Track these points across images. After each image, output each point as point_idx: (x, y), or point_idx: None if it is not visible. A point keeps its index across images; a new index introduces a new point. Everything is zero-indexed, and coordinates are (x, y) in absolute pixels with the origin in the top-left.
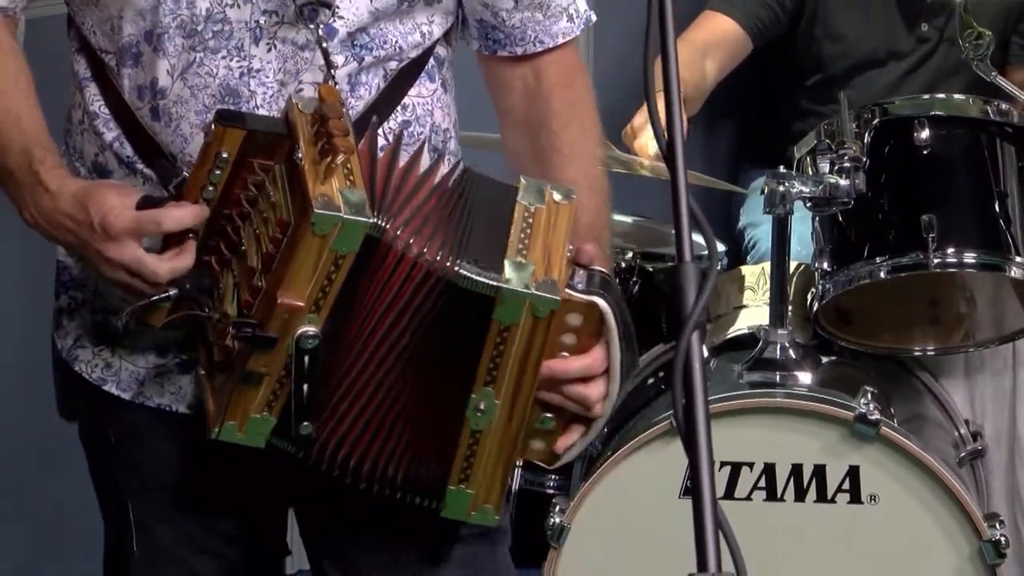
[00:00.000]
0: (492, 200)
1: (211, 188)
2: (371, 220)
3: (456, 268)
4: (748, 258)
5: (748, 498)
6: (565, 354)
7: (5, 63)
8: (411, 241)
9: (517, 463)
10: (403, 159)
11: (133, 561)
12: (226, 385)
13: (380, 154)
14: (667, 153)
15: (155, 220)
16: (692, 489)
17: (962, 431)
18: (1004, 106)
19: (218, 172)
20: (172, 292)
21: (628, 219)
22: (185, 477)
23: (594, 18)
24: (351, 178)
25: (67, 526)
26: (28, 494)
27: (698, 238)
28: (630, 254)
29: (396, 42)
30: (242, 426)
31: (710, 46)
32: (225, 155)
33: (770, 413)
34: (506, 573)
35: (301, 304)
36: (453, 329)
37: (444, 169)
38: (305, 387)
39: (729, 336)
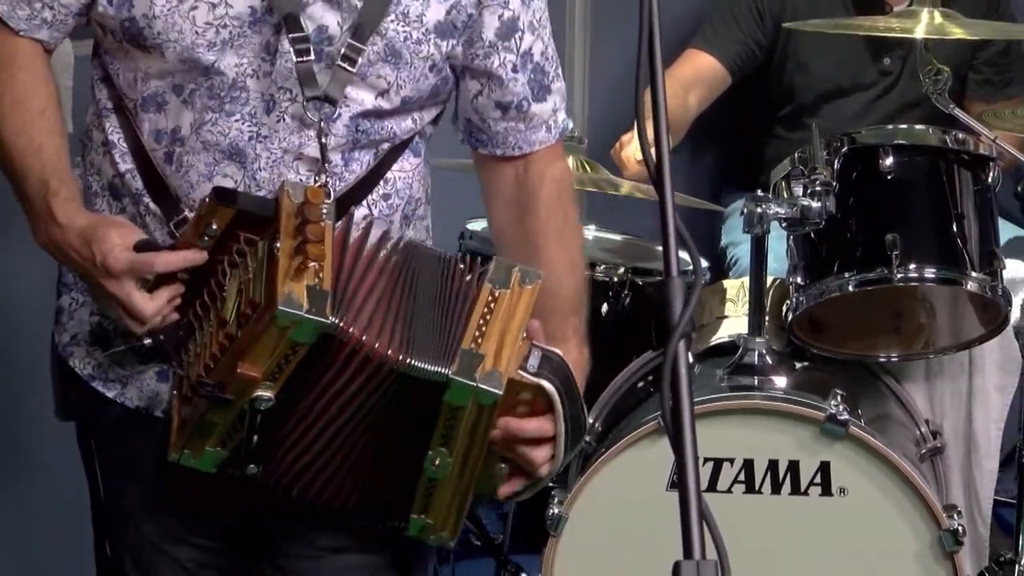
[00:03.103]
0: (434, 273)
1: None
2: (328, 320)
3: (409, 361)
4: (731, 274)
5: (729, 491)
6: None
7: (37, 91)
8: (364, 338)
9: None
10: (369, 243)
11: (122, 552)
12: (189, 419)
13: (351, 243)
14: (655, 177)
15: (148, 263)
16: (678, 482)
17: (923, 430)
18: (961, 135)
19: (206, 239)
20: (147, 342)
21: (619, 237)
22: (163, 475)
23: (571, 125)
24: (320, 275)
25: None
26: (24, 492)
27: (684, 255)
28: (622, 269)
29: (392, 128)
30: (198, 455)
31: (692, 81)
32: (214, 227)
33: (749, 413)
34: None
35: (257, 376)
36: (411, 404)
37: (388, 249)
38: (255, 438)
39: (712, 344)
